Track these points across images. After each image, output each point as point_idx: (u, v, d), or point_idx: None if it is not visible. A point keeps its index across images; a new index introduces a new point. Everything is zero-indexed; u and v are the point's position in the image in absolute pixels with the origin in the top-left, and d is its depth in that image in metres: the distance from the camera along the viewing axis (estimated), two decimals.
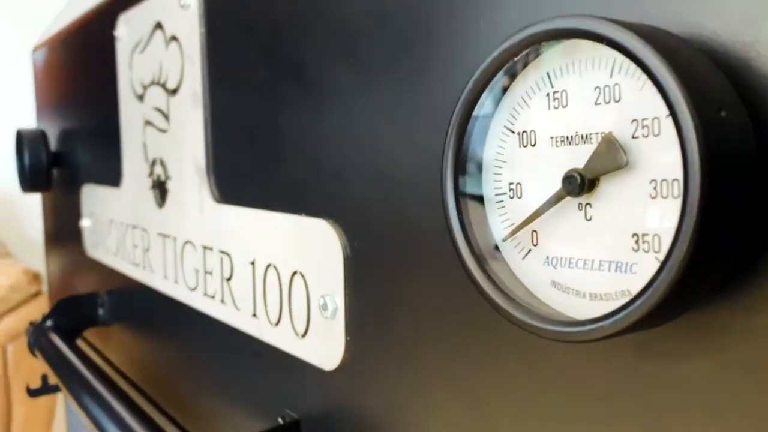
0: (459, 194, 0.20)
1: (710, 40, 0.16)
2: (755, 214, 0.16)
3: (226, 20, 0.39)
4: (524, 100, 0.19)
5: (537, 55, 0.18)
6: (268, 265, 0.35)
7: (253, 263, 0.36)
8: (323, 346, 0.31)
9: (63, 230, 0.75)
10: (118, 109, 0.54)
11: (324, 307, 0.30)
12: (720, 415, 0.17)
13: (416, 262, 0.26)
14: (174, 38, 0.43)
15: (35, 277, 2.07)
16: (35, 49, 0.82)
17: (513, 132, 0.20)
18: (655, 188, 0.16)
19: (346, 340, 0.30)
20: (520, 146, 0.19)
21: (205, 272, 0.42)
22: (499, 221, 0.20)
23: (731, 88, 0.15)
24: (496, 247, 0.20)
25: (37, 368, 2.22)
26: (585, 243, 0.18)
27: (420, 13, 0.25)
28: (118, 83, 0.54)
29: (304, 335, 0.32)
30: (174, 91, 0.44)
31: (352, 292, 0.29)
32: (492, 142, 0.20)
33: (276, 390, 0.36)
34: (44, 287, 2.10)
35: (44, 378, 0.83)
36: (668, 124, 0.15)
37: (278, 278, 0.34)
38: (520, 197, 0.20)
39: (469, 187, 0.21)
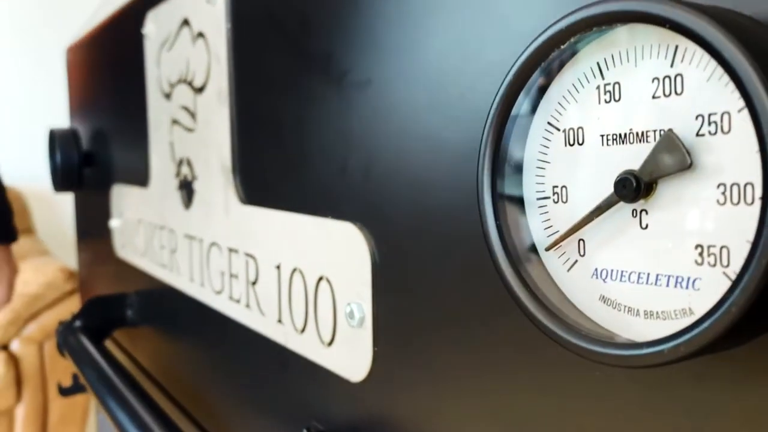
0: (496, 196, 0.18)
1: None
2: None
3: (253, 15, 0.37)
4: (571, 94, 0.17)
5: (587, 43, 0.16)
6: (294, 270, 0.34)
7: (278, 267, 0.35)
8: (350, 356, 0.30)
9: (94, 230, 0.75)
10: (146, 107, 0.53)
11: (351, 315, 0.29)
12: None
13: (449, 269, 0.24)
14: (201, 35, 0.42)
15: (71, 274, 2.11)
16: (69, 49, 0.83)
17: (558, 129, 0.18)
18: (723, 193, 0.14)
19: (374, 351, 0.28)
20: (566, 145, 0.17)
21: (231, 275, 0.41)
22: (541, 227, 0.18)
23: None
24: (537, 255, 0.19)
25: (71, 366, 2.24)
26: (640, 254, 0.16)
27: (444, 11, 0.23)
28: (146, 81, 0.53)
29: (330, 344, 0.31)
30: (200, 89, 0.43)
31: (380, 300, 0.28)
32: (534, 140, 0.18)
33: (302, 399, 0.35)
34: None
35: (75, 377, 0.83)
36: (742, 119, 0.13)
37: (304, 283, 0.33)
38: (565, 201, 0.18)
39: (508, 189, 0.19)
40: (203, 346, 0.48)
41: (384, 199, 0.27)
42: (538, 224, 0.19)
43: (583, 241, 0.17)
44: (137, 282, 0.62)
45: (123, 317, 0.63)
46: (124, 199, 0.62)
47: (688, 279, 0.15)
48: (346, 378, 0.30)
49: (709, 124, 0.14)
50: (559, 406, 0.20)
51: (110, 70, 0.65)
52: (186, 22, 0.45)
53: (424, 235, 0.25)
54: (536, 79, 0.17)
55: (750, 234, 0.13)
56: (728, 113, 0.14)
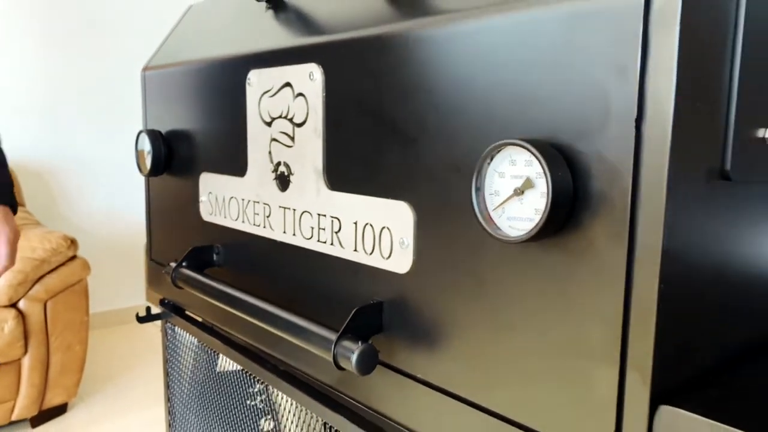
0: (479, 190, 0.54)
1: (560, 141, 0.50)
2: (570, 210, 0.49)
3: (341, 88, 0.71)
4: (494, 167, 0.52)
5: (500, 151, 0.51)
6: (366, 224, 0.68)
7: (355, 223, 0.70)
8: (400, 263, 0.65)
9: (178, 204, 1.06)
10: (244, 124, 0.86)
11: (402, 243, 0.64)
12: (553, 281, 0.51)
13: (453, 223, 0.59)
14: (301, 94, 0.76)
15: (72, 242, 2.35)
16: (146, 69, 1.13)
17: (495, 172, 0.53)
18: (542, 195, 0.50)
19: (413, 259, 0.63)
20: (497, 177, 0.53)
21: (320, 228, 0.75)
22: (493, 203, 0.54)
23: (563, 161, 0.49)
24: (488, 212, 0.54)
25: (72, 322, 2.62)
26: (522, 210, 0.52)
27: (454, 110, 0.58)
28: (245, 109, 0.86)
29: (388, 257, 0.66)
30: (300, 125, 0.77)
31: (417, 236, 0.63)
32: (490, 175, 0.53)
33: (367, 288, 0.70)
34: (78, 252, 2.39)
35: (148, 309, 1.14)
36: (543, 180, 0.49)
37: (373, 230, 0.67)
38: (492, 194, 0.53)
39: (483, 187, 0.54)
40: (280, 275, 0.82)
41: (421, 188, 0.62)
42: (491, 200, 0.54)
43: (504, 207, 0.53)
44: (221, 238, 0.95)
45: (211, 261, 0.96)
46: (213, 183, 0.95)
47: (529, 219, 0.50)
48: (397, 272, 0.65)
49: (537, 178, 0.50)
50: (484, 270, 0.56)
51: (208, 94, 0.97)
52: (288, 84, 0.78)
53: (440, 208, 0.60)
54: (485, 157, 0.52)
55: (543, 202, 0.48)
56: (538, 175, 0.49)
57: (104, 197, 3.37)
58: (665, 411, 0.46)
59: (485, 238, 0.54)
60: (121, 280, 3.48)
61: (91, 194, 3.29)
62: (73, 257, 2.28)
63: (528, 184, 0.50)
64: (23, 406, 2.22)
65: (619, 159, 0.46)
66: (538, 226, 0.49)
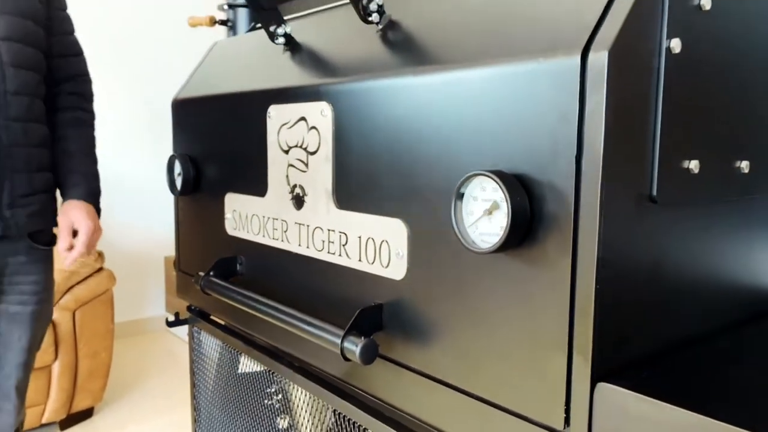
0: (456, 204, 0.66)
1: (520, 171, 0.62)
2: (528, 227, 0.61)
3: (348, 124, 0.84)
4: (469, 194, 0.65)
5: (471, 181, 0.64)
6: (368, 238, 0.81)
7: (359, 237, 0.82)
8: (396, 270, 0.77)
9: (205, 220, 1.20)
10: (265, 151, 0.99)
11: (398, 254, 0.76)
12: (517, 284, 0.63)
13: (441, 235, 0.72)
14: (314, 127, 0.89)
15: (100, 255, 2.49)
16: (176, 99, 1.27)
17: (470, 197, 0.65)
18: (505, 215, 0.62)
19: (407, 268, 0.75)
20: (469, 200, 0.65)
21: (329, 242, 0.88)
22: (470, 220, 0.66)
23: (522, 189, 0.61)
24: (465, 227, 0.66)
25: (99, 330, 2.79)
26: (492, 228, 0.64)
27: (440, 145, 0.71)
28: (266, 138, 0.99)
29: (387, 266, 0.78)
30: (313, 153, 0.90)
31: (411, 249, 0.75)
32: (467, 202, 0.66)
33: (369, 293, 0.82)
34: (105, 264, 2.54)
35: (176, 314, 1.27)
36: (504, 204, 0.61)
37: (374, 243, 0.80)
38: (471, 213, 0.65)
39: (462, 205, 0.66)
40: (296, 282, 0.95)
41: (412, 210, 0.74)
42: (467, 218, 0.66)
43: (477, 225, 0.65)
44: (243, 250, 1.08)
45: (235, 270, 1.09)
46: (237, 202, 1.08)
47: (495, 234, 0.63)
48: (394, 279, 0.77)
49: (501, 202, 0.62)
50: (463, 274, 0.68)
51: (227, 124, 1.10)
52: (303, 118, 0.91)
53: (431, 222, 0.72)
54: (462, 184, 0.65)
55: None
56: (503, 199, 0.61)
57: (129, 213, 3.54)
58: (602, 387, 0.58)
59: (463, 250, 0.66)
60: (141, 292, 3.63)
61: (118, 210, 3.45)
62: (100, 269, 2.42)
63: (495, 206, 0.63)
64: (53, 409, 2.36)
65: (565, 187, 0.59)
66: (502, 239, 0.61)
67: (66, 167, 1.43)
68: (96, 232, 1.45)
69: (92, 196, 1.46)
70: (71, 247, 1.42)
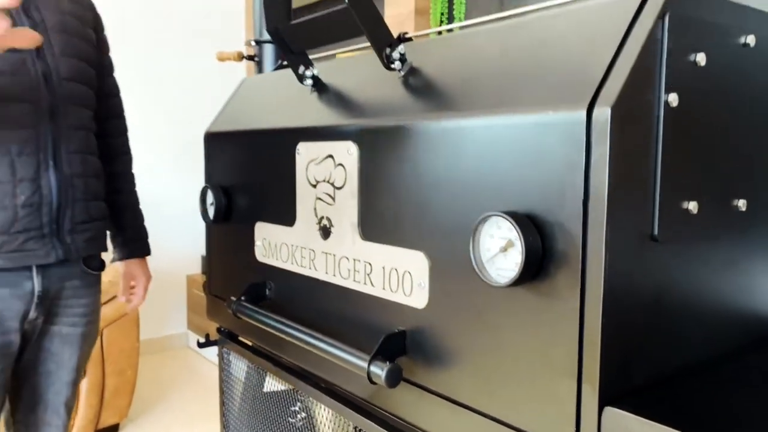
0: (476, 241, 0.72)
1: (533, 212, 0.68)
2: (540, 264, 0.67)
3: (373, 162, 0.91)
4: (486, 230, 0.71)
5: (487, 220, 0.70)
6: (392, 268, 0.87)
7: (383, 267, 0.88)
8: (418, 299, 0.83)
9: (235, 247, 1.27)
10: (293, 185, 1.06)
11: (420, 285, 0.82)
12: (531, 315, 0.69)
13: (459, 267, 0.78)
14: (341, 164, 0.96)
15: None
16: (208, 132, 1.34)
17: (486, 234, 0.72)
18: (519, 253, 0.68)
19: (429, 297, 0.82)
20: (487, 238, 0.71)
21: (355, 271, 0.94)
22: (488, 254, 0.72)
23: (534, 229, 0.67)
24: (484, 263, 0.72)
25: (125, 348, 2.88)
26: (508, 264, 0.70)
27: (459, 185, 0.77)
28: (295, 172, 1.06)
29: (409, 295, 0.84)
30: (339, 188, 0.96)
31: (432, 279, 0.81)
32: (483, 236, 0.72)
33: (392, 319, 0.88)
34: None
35: (207, 336, 1.34)
36: (519, 242, 0.67)
37: (397, 273, 0.86)
38: (489, 249, 0.72)
39: (479, 241, 0.72)
40: (322, 307, 1.01)
41: (434, 243, 0.81)
42: (485, 254, 0.72)
43: (493, 260, 0.71)
44: (272, 276, 1.14)
45: (264, 295, 1.16)
46: (267, 231, 1.15)
47: (511, 270, 0.69)
48: (416, 307, 0.83)
49: (514, 242, 0.68)
50: (485, 310, 0.74)
51: (258, 158, 1.17)
52: (330, 156, 0.98)
53: (451, 255, 0.79)
54: (480, 222, 0.71)
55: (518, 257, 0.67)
56: (517, 238, 0.67)
57: (153, 235, 3.63)
58: (609, 411, 0.63)
59: (481, 282, 0.72)
60: (163, 310, 3.71)
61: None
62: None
63: (510, 244, 0.69)
64: (81, 426, 2.43)
65: (573, 228, 0.65)
66: (517, 275, 0.67)
67: (120, 222, 1.66)
68: (149, 280, 1.72)
69: (147, 250, 1.71)
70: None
